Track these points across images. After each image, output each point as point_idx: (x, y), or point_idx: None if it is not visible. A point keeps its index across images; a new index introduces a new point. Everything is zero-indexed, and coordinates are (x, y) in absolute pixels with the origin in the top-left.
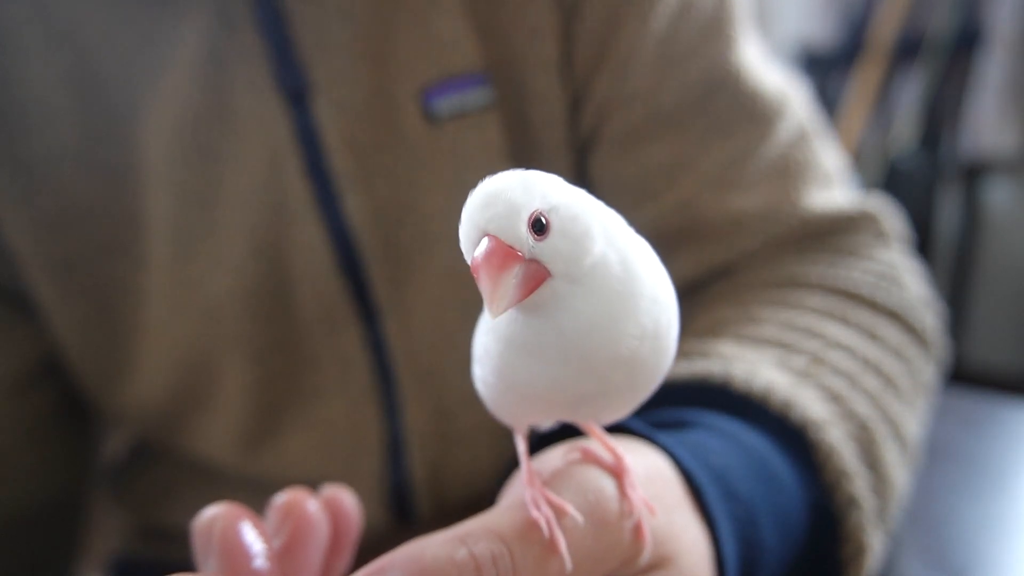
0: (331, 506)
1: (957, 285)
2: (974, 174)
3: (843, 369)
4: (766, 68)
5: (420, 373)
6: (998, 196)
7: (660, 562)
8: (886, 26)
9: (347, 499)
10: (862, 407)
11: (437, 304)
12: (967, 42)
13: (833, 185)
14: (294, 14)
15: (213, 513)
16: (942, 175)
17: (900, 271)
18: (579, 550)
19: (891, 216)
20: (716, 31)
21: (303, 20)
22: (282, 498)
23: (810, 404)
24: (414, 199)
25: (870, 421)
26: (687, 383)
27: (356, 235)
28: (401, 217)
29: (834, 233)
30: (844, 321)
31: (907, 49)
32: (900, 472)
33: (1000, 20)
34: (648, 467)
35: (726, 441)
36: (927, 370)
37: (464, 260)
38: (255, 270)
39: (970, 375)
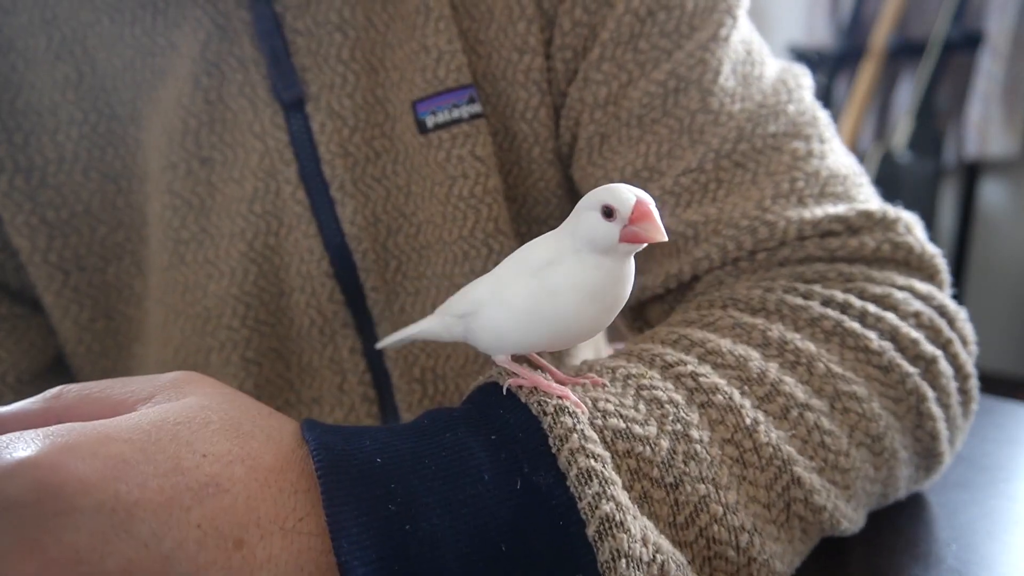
0: None
1: (952, 285)
2: (970, 175)
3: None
4: (755, 65)
5: (415, 379)
6: (993, 196)
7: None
8: (883, 29)
9: None
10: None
11: (431, 310)
12: (964, 44)
13: (825, 193)
14: (290, 25)
15: None
16: (938, 176)
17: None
18: None
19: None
20: (689, 33)
21: (299, 31)
22: None
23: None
24: (408, 207)
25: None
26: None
27: (350, 242)
28: (395, 225)
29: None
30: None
31: (904, 52)
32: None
33: (996, 23)
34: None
35: (421, 435)
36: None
37: (457, 267)
38: (250, 276)
39: None
